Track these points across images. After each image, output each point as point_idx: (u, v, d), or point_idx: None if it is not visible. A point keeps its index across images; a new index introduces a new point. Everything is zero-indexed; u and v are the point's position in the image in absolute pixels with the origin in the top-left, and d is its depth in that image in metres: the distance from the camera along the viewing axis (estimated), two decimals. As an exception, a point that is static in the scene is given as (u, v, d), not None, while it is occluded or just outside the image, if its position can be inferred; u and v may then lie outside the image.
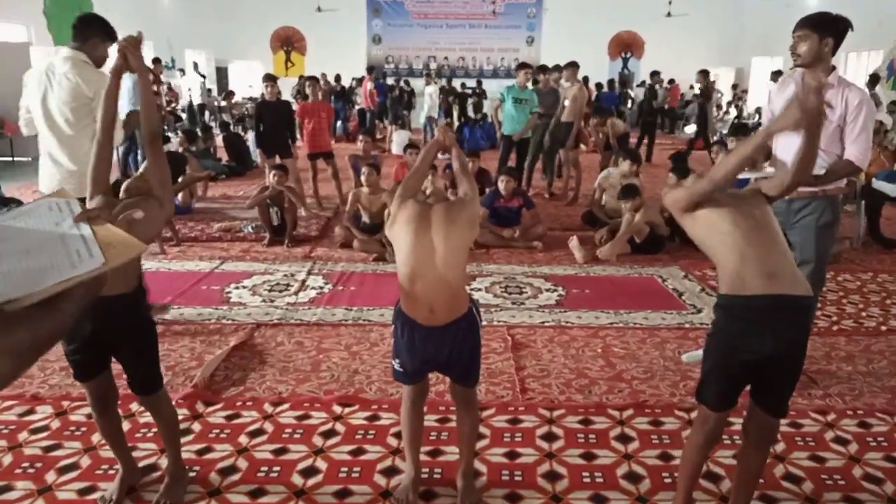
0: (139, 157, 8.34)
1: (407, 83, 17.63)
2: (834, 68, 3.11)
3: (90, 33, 3.55)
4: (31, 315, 0.92)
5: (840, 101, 3.06)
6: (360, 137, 7.73)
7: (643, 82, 17.51)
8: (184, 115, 16.24)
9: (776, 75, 14.13)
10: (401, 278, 2.21)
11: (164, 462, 2.55)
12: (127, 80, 7.78)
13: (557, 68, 8.94)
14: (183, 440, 2.75)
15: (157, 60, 12.46)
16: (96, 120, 3.55)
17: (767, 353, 1.99)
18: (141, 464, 2.59)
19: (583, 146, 10.50)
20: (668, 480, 2.58)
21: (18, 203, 6.60)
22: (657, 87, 13.62)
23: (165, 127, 7.84)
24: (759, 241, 2.05)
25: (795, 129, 2.06)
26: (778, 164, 3.22)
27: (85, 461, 2.63)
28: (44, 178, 3.66)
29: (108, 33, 3.59)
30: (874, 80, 12.29)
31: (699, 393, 2.17)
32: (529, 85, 8.21)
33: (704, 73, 12.05)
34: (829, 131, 3.10)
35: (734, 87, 19.42)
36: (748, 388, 2.16)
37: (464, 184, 2.49)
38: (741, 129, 5.42)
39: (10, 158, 11.43)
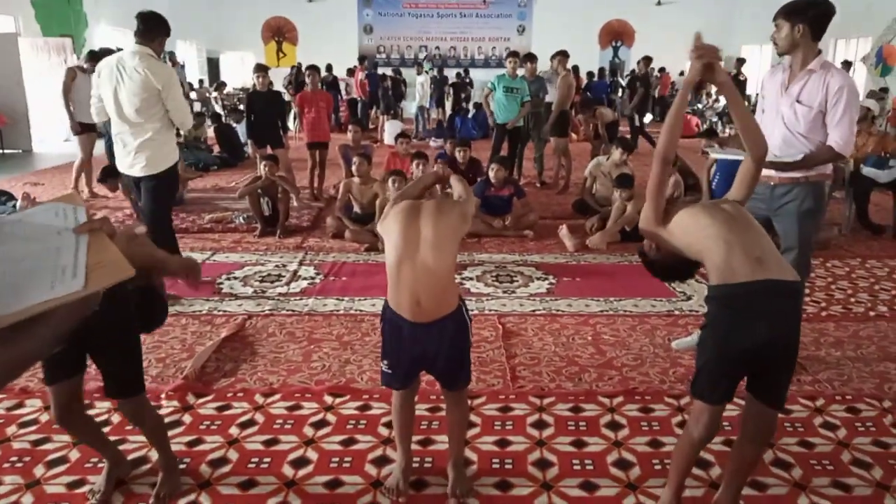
0: None
1: (398, 73, 17.57)
2: (819, 52, 3.11)
3: (156, 33, 4.09)
4: (1, 337, 0.89)
5: (821, 86, 3.06)
6: (350, 127, 7.71)
7: (633, 71, 17.41)
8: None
9: (740, 63, 15.45)
10: (388, 267, 2.19)
11: (154, 454, 2.53)
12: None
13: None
14: (173, 432, 2.76)
15: (97, 56, 12.34)
16: (166, 109, 3.97)
17: (762, 342, 1.97)
18: (130, 457, 2.58)
19: (573, 135, 10.51)
20: (658, 467, 2.59)
21: (9, 196, 6.56)
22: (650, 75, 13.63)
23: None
24: (739, 229, 2.09)
25: (699, 69, 2.24)
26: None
27: (74, 455, 2.62)
28: (117, 158, 4.28)
29: (168, 31, 4.17)
30: (846, 67, 12.33)
31: (695, 387, 2.11)
32: (520, 73, 8.19)
33: (647, 59, 12.17)
34: (809, 117, 3.11)
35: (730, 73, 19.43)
36: (745, 383, 2.13)
37: (461, 192, 2.52)
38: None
39: (0, 151, 11.34)
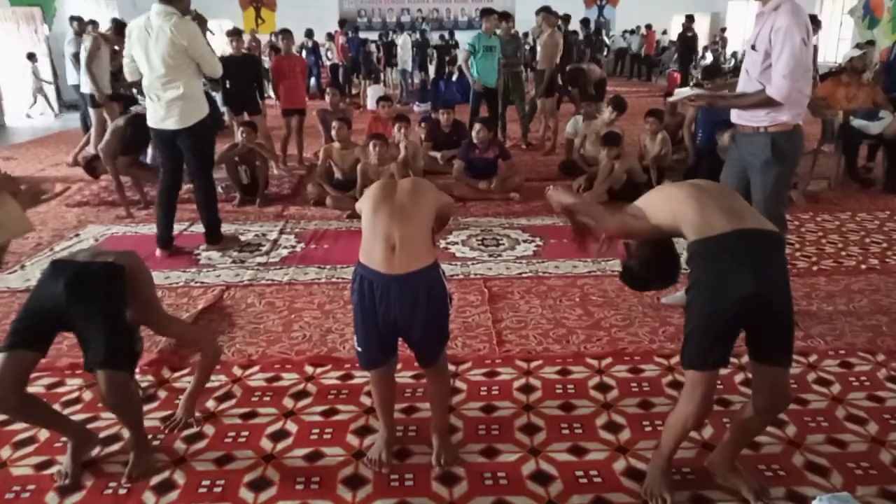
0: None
1: (380, 37, 17.21)
2: None
3: None
4: None
5: (768, 29, 2.95)
6: (328, 90, 7.53)
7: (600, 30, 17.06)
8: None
9: (689, 20, 15.62)
10: (364, 219, 2.17)
11: (126, 432, 2.43)
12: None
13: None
14: (148, 407, 2.67)
15: (122, 25, 12.03)
16: (195, 64, 4.30)
17: (749, 292, 1.86)
18: (101, 435, 2.47)
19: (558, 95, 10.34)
20: (648, 429, 2.52)
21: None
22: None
23: (134, 91, 7.66)
24: (710, 191, 2.11)
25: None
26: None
27: (42, 434, 2.50)
28: (149, 113, 4.45)
29: None
30: None
31: (685, 356, 2.00)
32: (497, 31, 8.03)
33: (565, 17, 12.10)
34: (759, 61, 3.04)
35: (722, 30, 19.22)
36: (748, 361, 2.06)
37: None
38: (714, 71, 5.53)
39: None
